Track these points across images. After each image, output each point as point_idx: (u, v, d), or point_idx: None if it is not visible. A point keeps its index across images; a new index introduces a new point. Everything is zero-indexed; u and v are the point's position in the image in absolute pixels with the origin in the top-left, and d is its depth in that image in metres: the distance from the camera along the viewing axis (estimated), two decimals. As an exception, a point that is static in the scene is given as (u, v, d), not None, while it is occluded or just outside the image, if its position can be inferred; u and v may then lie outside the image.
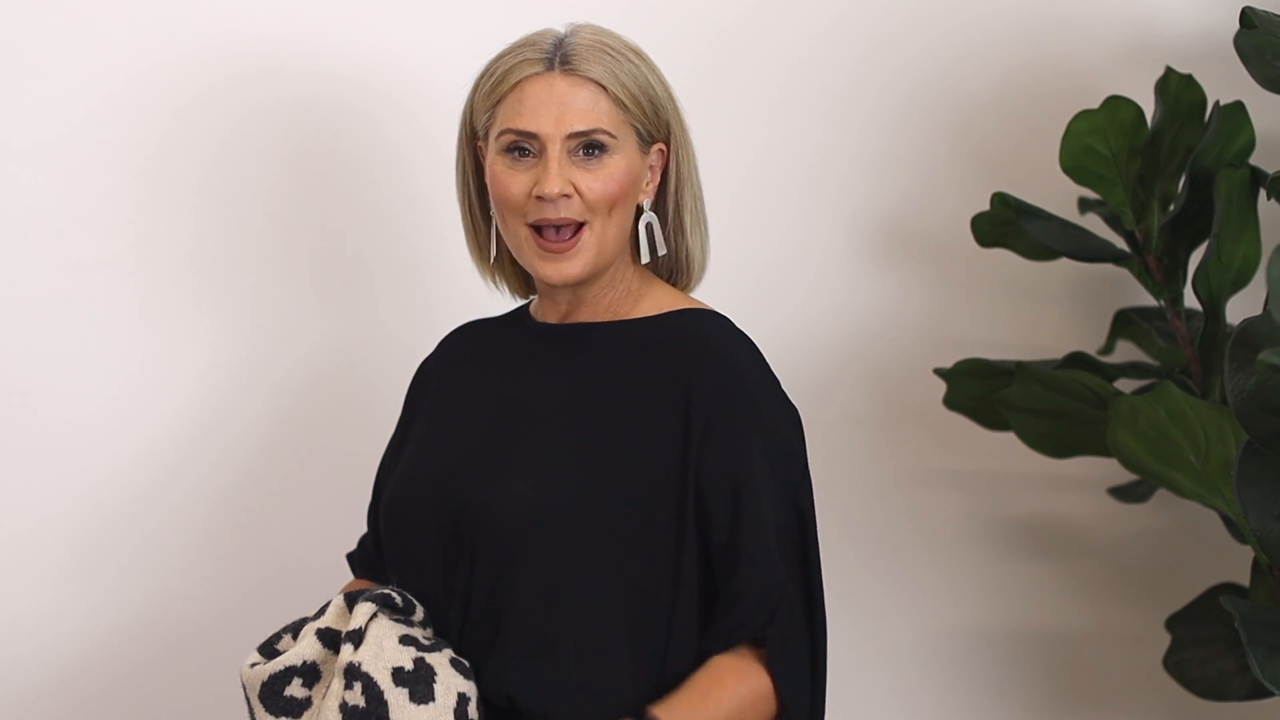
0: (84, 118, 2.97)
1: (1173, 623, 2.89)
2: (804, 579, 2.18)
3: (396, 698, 2.05)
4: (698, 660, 2.14)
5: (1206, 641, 2.83)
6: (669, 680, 2.13)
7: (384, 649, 2.08)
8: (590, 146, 2.19)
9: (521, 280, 2.40)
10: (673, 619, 2.14)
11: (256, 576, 3.00)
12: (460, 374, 2.38)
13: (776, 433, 2.20)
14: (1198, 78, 2.77)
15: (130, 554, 2.99)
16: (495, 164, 2.22)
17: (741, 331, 2.27)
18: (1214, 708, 2.96)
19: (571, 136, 2.18)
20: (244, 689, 2.18)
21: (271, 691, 2.15)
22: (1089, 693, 3.11)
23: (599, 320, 2.29)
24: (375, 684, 2.06)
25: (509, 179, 2.21)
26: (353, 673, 2.07)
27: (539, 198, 2.18)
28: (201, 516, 3.01)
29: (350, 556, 2.48)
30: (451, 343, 2.47)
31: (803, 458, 2.23)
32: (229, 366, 3.01)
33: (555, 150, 2.18)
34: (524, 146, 2.20)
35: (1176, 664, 2.85)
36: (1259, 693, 2.70)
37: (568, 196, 2.18)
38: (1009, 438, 2.90)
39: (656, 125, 2.25)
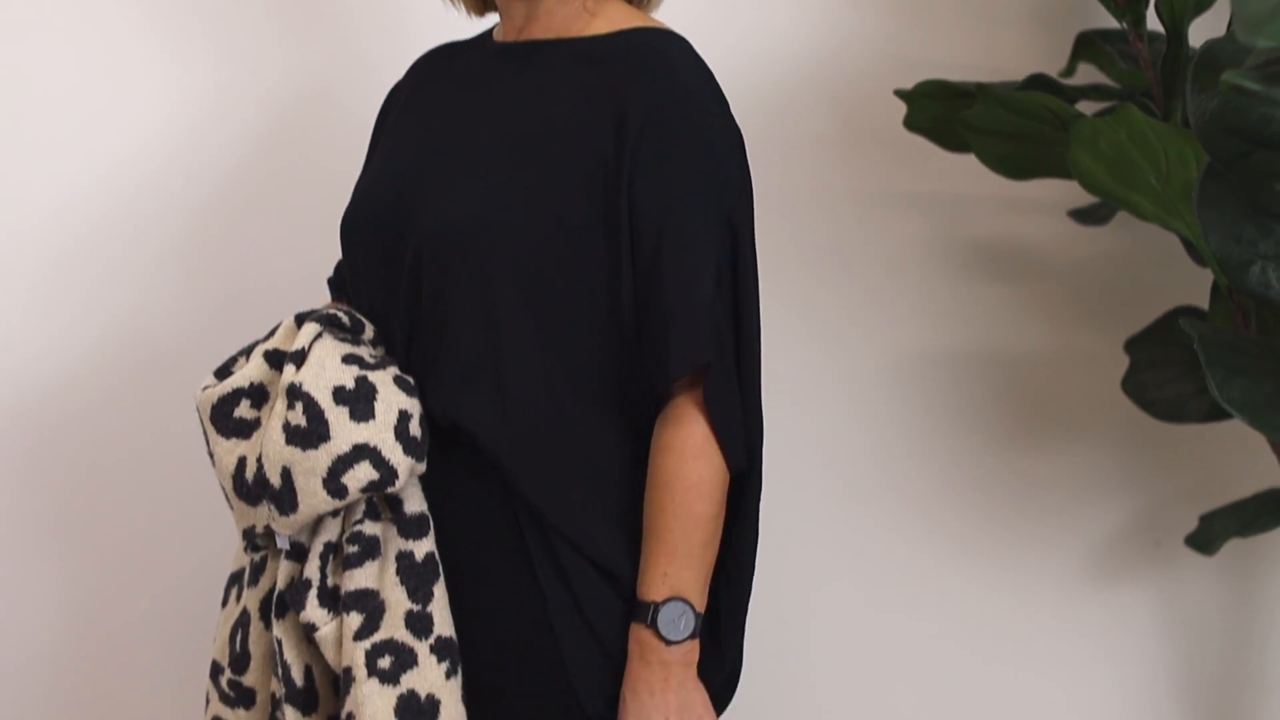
0: None
1: (1132, 345, 2.91)
2: (733, 299, 2.15)
3: (336, 416, 2.07)
4: (638, 384, 2.14)
5: (1165, 364, 2.85)
6: (606, 400, 2.14)
7: (325, 368, 2.09)
8: None
9: None
10: (611, 336, 2.13)
11: (229, 297, 2.99)
12: (420, 96, 2.37)
13: (713, 147, 2.16)
14: None
15: (99, 274, 2.98)
16: None
17: (694, 52, 2.23)
18: (1172, 429, 2.99)
19: None
20: (198, 412, 2.19)
21: (221, 414, 2.16)
22: (1048, 414, 3.13)
23: (551, 37, 2.25)
24: (316, 403, 2.07)
25: None
26: (294, 393, 2.08)
27: None
28: (172, 237, 3.00)
29: (329, 281, 2.48)
30: (417, 66, 2.45)
31: (738, 177, 2.19)
32: (200, 89, 2.99)
33: None
34: None
35: (1135, 386, 2.86)
36: (1217, 414, 2.72)
37: None
38: (969, 159, 2.87)
39: None
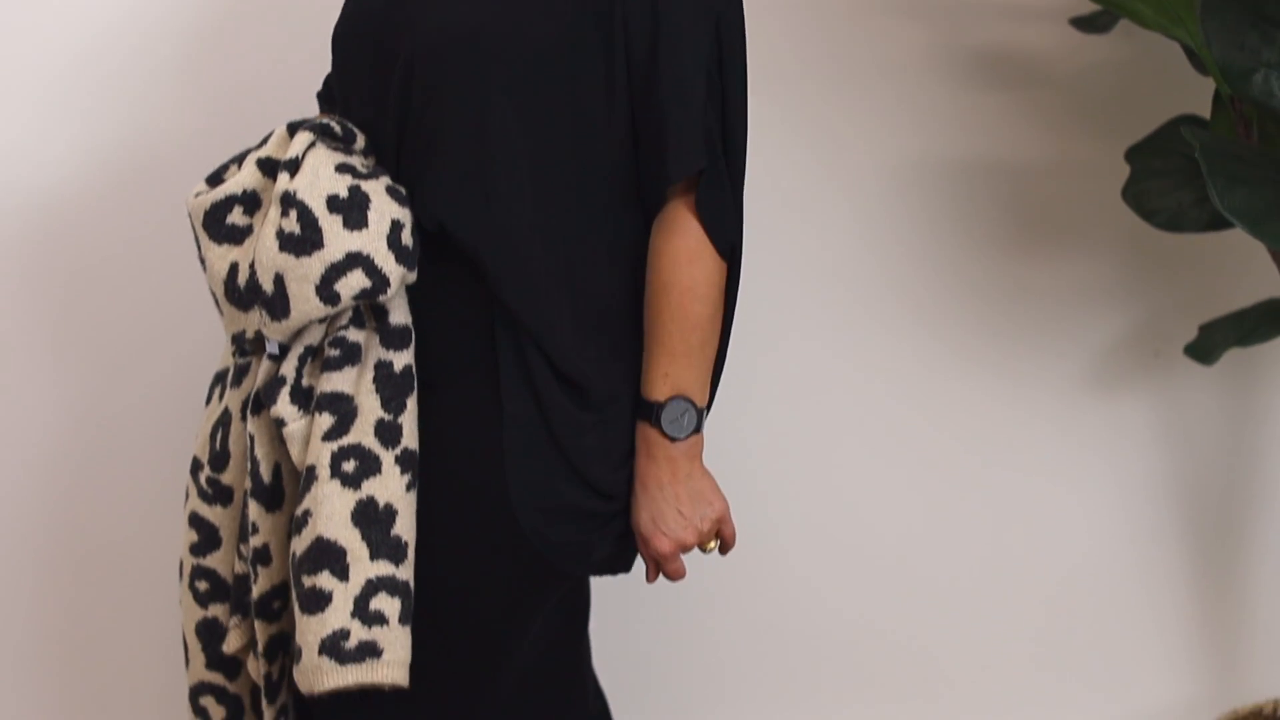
0: None
1: (1133, 154, 2.89)
2: (720, 103, 2.16)
3: (330, 224, 2.06)
4: (629, 191, 2.16)
5: (1165, 174, 2.83)
6: (595, 208, 2.16)
7: (319, 177, 2.09)
8: None
9: None
10: (602, 145, 2.14)
11: (222, 104, 2.96)
12: None
13: None
14: None
15: (95, 82, 2.95)
16: None
17: None
18: (1172, 239, 2.98)
19: None
20: (190, 218, 2.19)
21: (214, 220, 2.16)
22: (1048, 223, 3.12)
23: None
24: (310, 211, 2.07)
25: None
26: (288, 200, 2.08)
27: None
28: (167, 44, 2.96)
29: (318, 95, 2.46)
30: None
31: None
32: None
33: None
34: None
35: (1136, 195, 2.85)
36: (1217, 223, 2.71)
37: None
38: (971, -34, 2.86)
39: None
